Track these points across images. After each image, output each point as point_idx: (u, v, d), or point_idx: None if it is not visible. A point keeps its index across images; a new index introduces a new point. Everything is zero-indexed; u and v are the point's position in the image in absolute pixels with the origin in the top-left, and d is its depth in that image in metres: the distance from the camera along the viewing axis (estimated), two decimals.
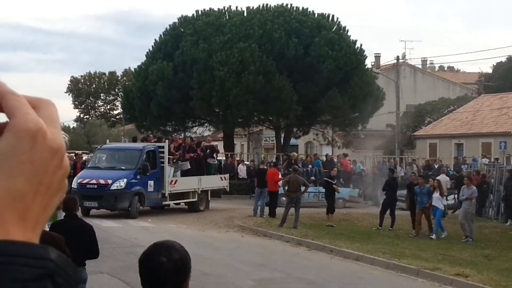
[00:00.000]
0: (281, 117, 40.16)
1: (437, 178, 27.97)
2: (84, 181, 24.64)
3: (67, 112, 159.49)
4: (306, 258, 17.39)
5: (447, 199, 28.65)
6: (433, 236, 21.63)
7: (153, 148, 26.03)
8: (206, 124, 45.12)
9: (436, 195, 22.15)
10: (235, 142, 48.88)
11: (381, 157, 42.94)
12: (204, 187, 27.84)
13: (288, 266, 15.78)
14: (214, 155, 29.64)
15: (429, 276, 14.63)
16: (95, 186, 24.39)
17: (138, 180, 24.83)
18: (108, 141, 33.06)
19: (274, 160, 35.96)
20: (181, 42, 39.31)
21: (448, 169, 34.61)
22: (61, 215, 10.11)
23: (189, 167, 27.32)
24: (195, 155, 27.82)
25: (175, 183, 26.39)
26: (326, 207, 24.19)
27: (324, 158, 37.40)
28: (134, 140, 30.63)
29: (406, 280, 14.58)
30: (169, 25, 42.40)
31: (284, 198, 24.45)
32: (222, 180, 29.77)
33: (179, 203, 27.62)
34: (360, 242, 19.58)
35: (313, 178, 32.71)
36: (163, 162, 25.85)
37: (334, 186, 24.20)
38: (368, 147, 50.82)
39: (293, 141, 47.82)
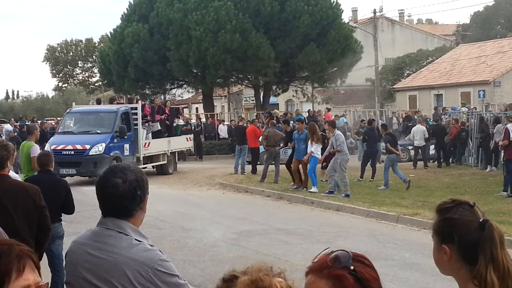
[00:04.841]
0: (260, 75, 39.92)
1: (413, 128, 28.11)
2: (59, 147, 22.88)
3: (45, 82, 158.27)
4: (287, 210, 17.43)
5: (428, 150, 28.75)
6: (314, 189, 19.39)
7: (127, 110, 24.85)
8: (184, 86, 44.80)
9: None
10: (215, 104, 48.71)
11: (361, 112, 43.01)
12: (173, 149, 27.34)
13: (269, 218, 15.81)
14: (180, 116, 29.55)
15: (408, 222, 14.71)
16: (72, 152, 23.03)
17: (115, 144, 23.75)
18: (74, 103, 30.17)
19: (254, 117, 35.81)
20: (156, 3, 38.77)
21: (428, 119, 34.67)
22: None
23: (160, 127, 26.73)
24: (165, 116, 27.36)
25: (148, 145, 25.57)
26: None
27: (306, 114, 37.31)
28: (98, 102, 29.75)
29: (385, 226, 14.65)
30: None
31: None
32: (187, 141, 29.23)
33: (145, 167, 26.25)
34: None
35: None
36: (136, 124, 24.83)
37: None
38: (348, 102, 50.93)
39: (273, 99, 47.75)
